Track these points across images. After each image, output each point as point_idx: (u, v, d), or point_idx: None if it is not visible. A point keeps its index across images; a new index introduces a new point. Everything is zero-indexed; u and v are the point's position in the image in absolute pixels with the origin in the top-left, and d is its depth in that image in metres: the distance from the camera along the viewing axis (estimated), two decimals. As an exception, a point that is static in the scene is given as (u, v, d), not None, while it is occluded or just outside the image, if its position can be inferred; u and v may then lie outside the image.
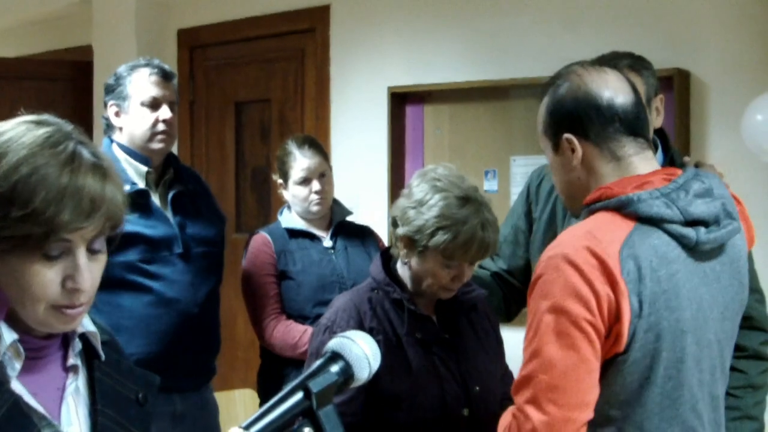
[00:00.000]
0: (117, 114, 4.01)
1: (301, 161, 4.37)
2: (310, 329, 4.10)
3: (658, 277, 2.40)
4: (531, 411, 2.40)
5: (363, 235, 4.56)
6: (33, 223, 1.83)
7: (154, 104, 3.97)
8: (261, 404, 4.30)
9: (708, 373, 2.54)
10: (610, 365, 2.42)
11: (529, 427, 2.39)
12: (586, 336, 2.36)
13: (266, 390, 4.35)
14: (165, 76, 4.03)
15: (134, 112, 3.97)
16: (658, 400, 2.44)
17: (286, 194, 4.46)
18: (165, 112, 3.98)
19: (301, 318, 4.26)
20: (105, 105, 4.07)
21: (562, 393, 2.38)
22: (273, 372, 4.34)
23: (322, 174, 4.40)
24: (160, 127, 3.96)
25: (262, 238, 4.40)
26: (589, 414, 2.41)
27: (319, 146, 4.52)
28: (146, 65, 4.03)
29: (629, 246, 2.40)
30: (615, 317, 2.37)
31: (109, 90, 4.05)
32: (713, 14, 4.86)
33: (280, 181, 4.48)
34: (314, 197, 4.36)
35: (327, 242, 4.42)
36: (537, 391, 2.40)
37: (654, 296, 2.39)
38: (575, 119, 2.58)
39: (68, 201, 1.85)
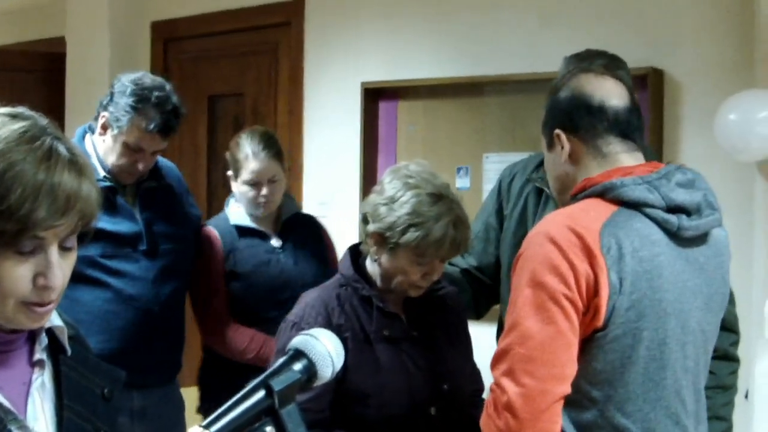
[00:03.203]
0: (104, 127, 3.87)
1: (253, 163, 4.18)
2: (258, 335, 4.08)
3: (640, 257, 2.44)
4: (507, 383, 2.42)
5: (310, 230, 4.46)
6: (7, 219, 1.80)
7: (138, 149, 3.85)
8: (201, 400, 4.26)
9: (692, 361, 2.58)
10: (590, 342, 2.46)
11: (505, 400, 2.41)
12: (563, 310, 2.40)
13: (207, 386, 4.31)
14: (164, 132, 3.86)
15: (117, 145, 3.84)
16: (641, 381, 2.48)
17: (235, 186, 4.29)
18: (146, 158, 3.88)
19: (255, 322, 4.16)
20: (101, 105, 3.90)
21: (538, 365, 2.40)
22: (216, 369, 4.26)
23: (272, 179, 4.21)
24: (134, 168, 3.87)
25: (211, 234, 4.25)
26: (565, 388, 2.43)
27: (275, 147, 4.29)
28: (155, 107, 3.82)
29: (611, 225, 2.45)
30: (593, 292, 2.40)
31: (110, 101, 3.87)
32: (688, 14, 4.87)
33: (230, 172, 4.30)
34: (261, 200, 4.20)
35: (275, 241, 4.30)
36: (513, 364, 2.43)
37: (636, 275, 2.43)
38: (566, 116, 2.67)
39: (44, 198, 1.82)
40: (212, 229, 4.27)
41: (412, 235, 3.04)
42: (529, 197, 3.60)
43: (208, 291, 4.21)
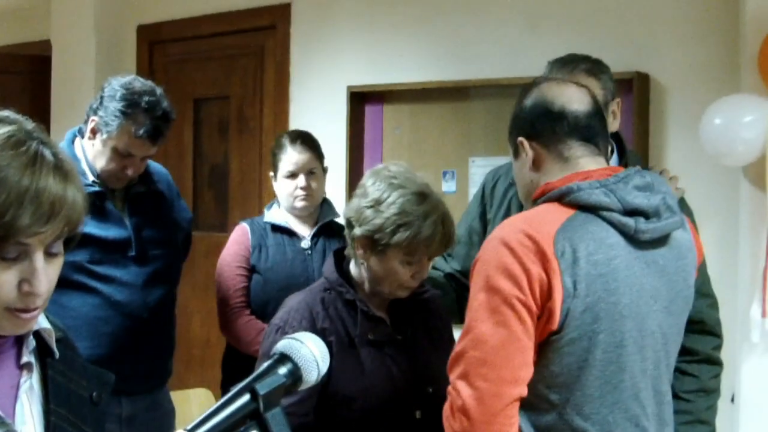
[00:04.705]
0: (93, 131, 3.81)
1: (290, 155, 4.36)
2: None
3: (595, 260, 2.46)
4: (461, 386, 2.45)
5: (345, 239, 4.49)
6: None
7: (127, 155, 3.79)
8: (223, 393, 4.28)
9: (651, 363, 2.59)
10: (546, 345, 2.47)
11: (460, 404, 2.44)
12: (516, 314, 2.42)
13: (228, 379, 4.33)
14: (154, 137, 3.81)
15: (106, 150, 3.79)
16: (598, 384, 2.49)
17: (276, 186, 4.43)
18: (136, 163, 3.83)
19: (261, 317, 4.22)
20: (90, 109, 3.84)
21: (492, 368, 2.43)
22: (236, 361, 4.31)
23: (311, 171, 4.37)
24: (123, 173, 3.82)
25: (242, 229, 4.40)
26: (520, 391, 2.45)
27: (313, 143, 4.48)
28: (145, 112, 3.78)
29: (566, 229, 2.47)
30: (547, 295, 2.42)
31: (99, 105, 3.80)
32: (673, 18, 4.88)
33: (271, 173, 4.47)
34: (299, 193, 4.32)
35: (305, 242, 4.37)
36: (468, 367, 2.46)
37: (590, 278, 2.44)
38: (528, 123, 2.71)
39: (28, 205, 1.81)
40: (244, 225, 4.42)
41: (402, 234, 3.04)
42: (512, 201, 3.59)
43: (228, 282, 4.31)
